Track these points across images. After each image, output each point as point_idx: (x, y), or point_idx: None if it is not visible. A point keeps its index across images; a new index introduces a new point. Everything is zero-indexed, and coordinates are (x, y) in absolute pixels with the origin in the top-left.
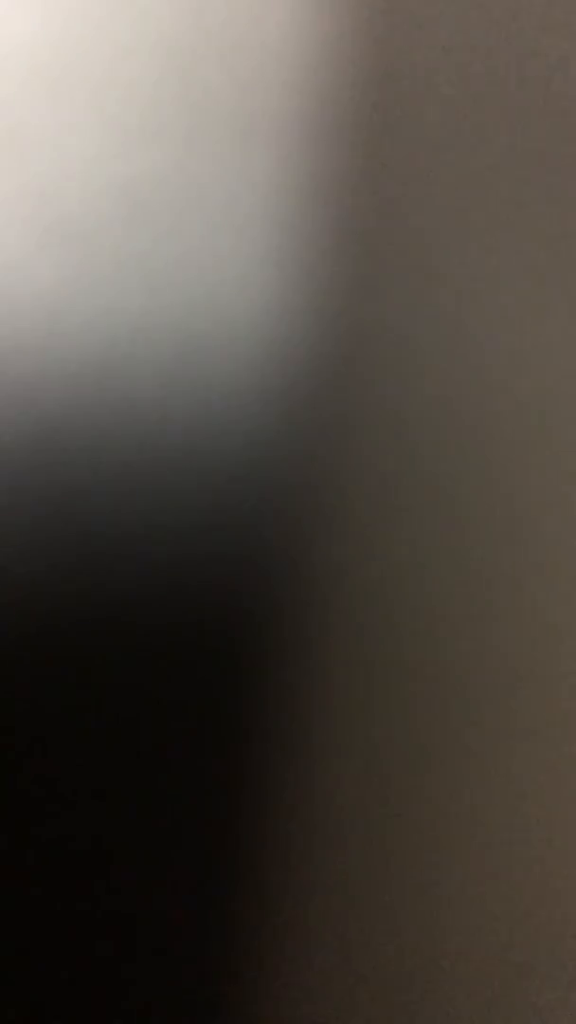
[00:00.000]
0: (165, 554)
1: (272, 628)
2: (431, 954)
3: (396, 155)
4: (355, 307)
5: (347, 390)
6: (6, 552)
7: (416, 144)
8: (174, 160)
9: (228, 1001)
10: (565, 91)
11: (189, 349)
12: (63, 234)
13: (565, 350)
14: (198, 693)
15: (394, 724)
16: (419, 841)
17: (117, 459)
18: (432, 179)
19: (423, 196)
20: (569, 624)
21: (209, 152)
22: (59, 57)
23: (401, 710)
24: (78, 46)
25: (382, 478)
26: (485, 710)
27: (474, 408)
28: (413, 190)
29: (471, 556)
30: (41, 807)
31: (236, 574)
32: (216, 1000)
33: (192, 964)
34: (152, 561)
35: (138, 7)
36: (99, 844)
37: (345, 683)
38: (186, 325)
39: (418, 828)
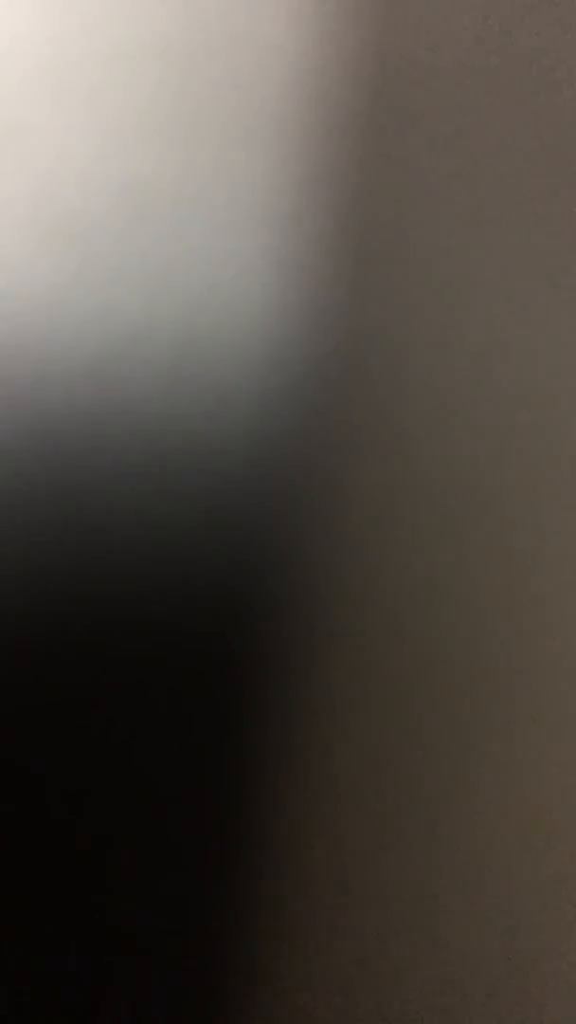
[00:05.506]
0: (164, 553)
1: (271, 628)
2: (431, 957)
3: (395, 155)
4: (355, 307)
5: (347, 390)
6: (6, 551)
7: (415, 144)
8: (174, 160)
9: (226, 1005)
10: (565, 91)
11: (189, 349)
12: (63, 234)
13: (565, 351)
14: (197, 692)
15: (393, 725)
16: (419, 842)
17: (117, 459)
18: (432, 179)
19: (423, 196)
20: (569, 625)
21: (209, 152)
22: (59, 57)
23: (400, 711)
24: (78, 46)
25: (381, 478)
26: (484, 712)
27: (473, 408)
28: (413, 190)
29: (470, 556)
30: (39, 806)
31: (235, 573)
32: (214, 1004)
33: (189, 965)
34: (151, 560)
35: (138, 7)
36: (97, 844)
37: (344, 683)
38: (186, 325)
39: (418, 829)
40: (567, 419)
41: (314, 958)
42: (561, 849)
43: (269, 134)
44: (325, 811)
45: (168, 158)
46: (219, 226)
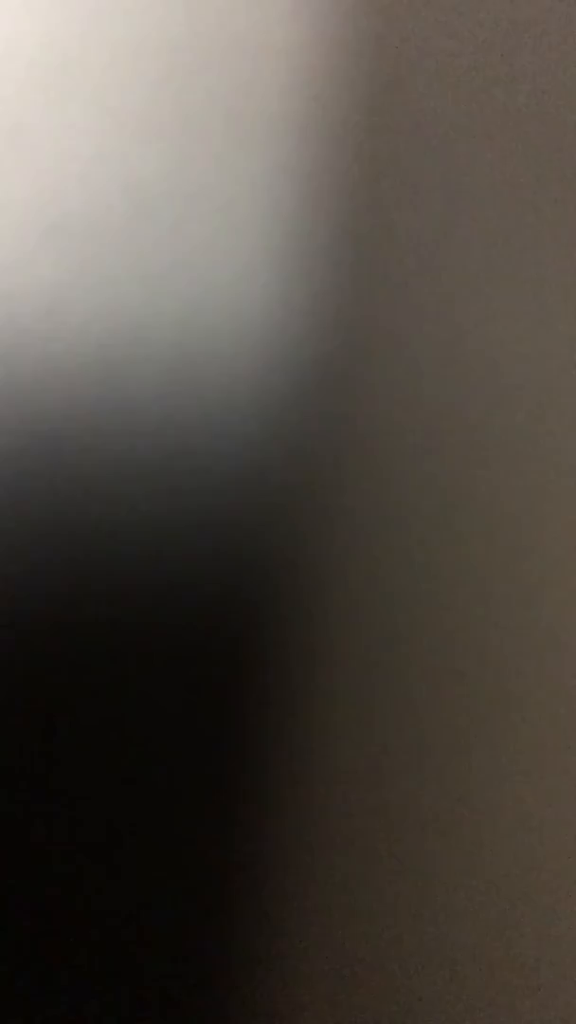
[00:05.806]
0: (164, 553)
1: (271, 627)
2: (431, 960)
3: (394, 155)
4: (354, 307)
5: (346, 389)
6: (5, 551)
7: (414, 145)
8: (174, 160)
9: (226, 1004)
10: (564, 92)
11: (189, 348)
12: (64, 234)
13: (564, 350)
14: (197, 692)
15: (394, 724)
16: (419, 845)
17: (117, 459)
18: (430, 180)
19: (421, 196)
20: (570, 623)
21: (209, 152)
22: (59, 57)
23: (401, 710)
24: (78, 46)
25: (381, 477)
26: (485, 710)
27: (473, 407)
28: (411, 190)
29: (471, 555)
30: (39, 805)
31: (235, 573)
32: (214, 1003)
33: (189, 964)
34: (151, 560)
35: (138, 7)
36: (96, 843)
37: (345, 683)
38: (186, 324)
39: (418, 831)
40: (568, 419)
41: (314, 958)
42: (563, 848)
43: (269, 134)
44: (325, 810)
45: (168, 158)
46: (219, 226)
